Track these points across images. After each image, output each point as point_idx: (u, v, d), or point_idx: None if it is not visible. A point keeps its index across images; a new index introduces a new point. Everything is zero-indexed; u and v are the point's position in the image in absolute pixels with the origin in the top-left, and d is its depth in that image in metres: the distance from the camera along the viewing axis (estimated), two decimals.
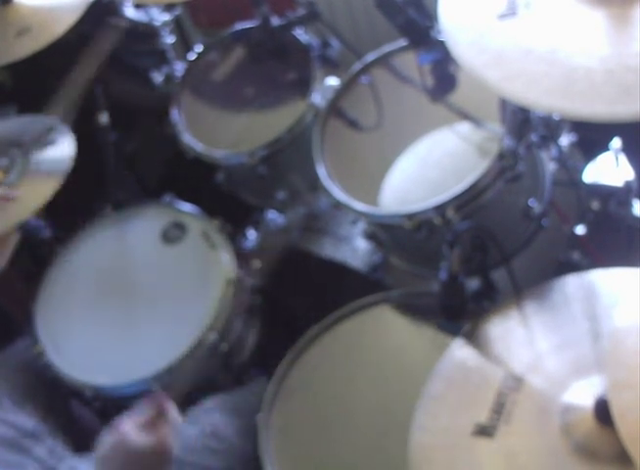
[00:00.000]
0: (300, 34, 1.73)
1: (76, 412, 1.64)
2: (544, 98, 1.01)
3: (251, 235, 1.85)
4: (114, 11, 1.92)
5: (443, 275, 1.18)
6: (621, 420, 0.83)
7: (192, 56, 1.86)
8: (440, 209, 1.30)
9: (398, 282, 1.57)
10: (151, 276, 1.64)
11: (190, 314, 1.54)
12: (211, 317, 1.51)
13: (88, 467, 1.34)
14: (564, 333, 1.09)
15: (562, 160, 1.46)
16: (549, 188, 1.45)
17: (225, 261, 1.59)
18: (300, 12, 1.66)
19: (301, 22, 1.68)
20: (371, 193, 1.40)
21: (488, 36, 1.09)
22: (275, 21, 1.70)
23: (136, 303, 1.60)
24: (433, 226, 1.33)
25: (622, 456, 0.84)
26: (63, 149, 1.56)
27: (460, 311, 1.20)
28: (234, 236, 1.68)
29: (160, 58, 1.96)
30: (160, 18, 1.93)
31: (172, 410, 1.19)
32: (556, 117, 1.39)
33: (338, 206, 1.42)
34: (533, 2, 1.09)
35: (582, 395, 0.99)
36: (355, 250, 1.68)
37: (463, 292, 1.19)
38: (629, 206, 1.43)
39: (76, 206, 1.78)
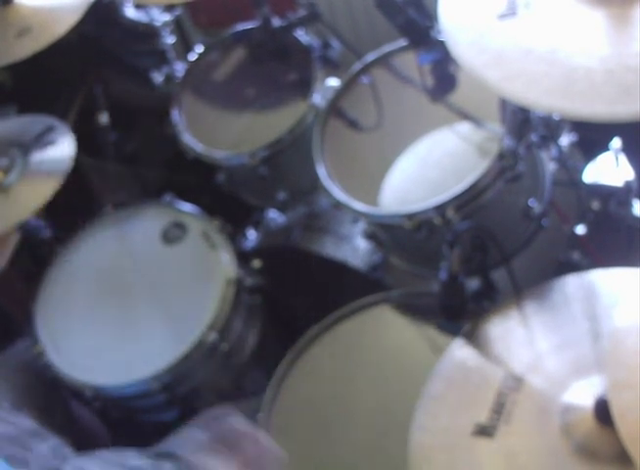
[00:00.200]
0: (301, 35, 1.73)
1: (76, 412, 1.64)
2: (544, 98, 1.01)
3: (251, 235, 1.85)
4: (115, 11, 1.92)
5: (443, 275, 1.18)
6: (621, 420, 0.83)
7: (192, 56, 1.86)
8: (440, 209, 1.30)
9: (398, 282, 1.57)
10: (151, 276, 1.64)
11: (190, 314, 1.54)
12: (211, 317, 1.51)
13: (96, 467, 1.34)
14: (564, 333, 1.09)
15: (562, 160, 1.46)
16: (549, 188, 1.45)
17: (225, 261, 1.59)
18: (301, 13, 1.66)
19: (302, 22, 1.68)
20: (371, 193, 1.40)
21: (488, 36, 1.09)
22: (276, 21, 1.70)
23: (136, 302, 1.60)
24: (433, 226, 1.33)
25: (622, 456, 0.84)
26: (63, 149, 1.57)
27: (460, 311, 1.20)
28: (234, 236, 1.68)
29: (161, 58, 1.96)
30: (161, 18, 1.93)
31: None
32: (556, 117, 1.39)
33: (338, 206, 1.42)
34: (533, 2, 1.09)
35: (582, 395, 0.99)
36: (356, 249, 1.68)
37: (463, 292, 1.19)
38: (629, 206, 1.43)
39: (76, 206, 1.78)
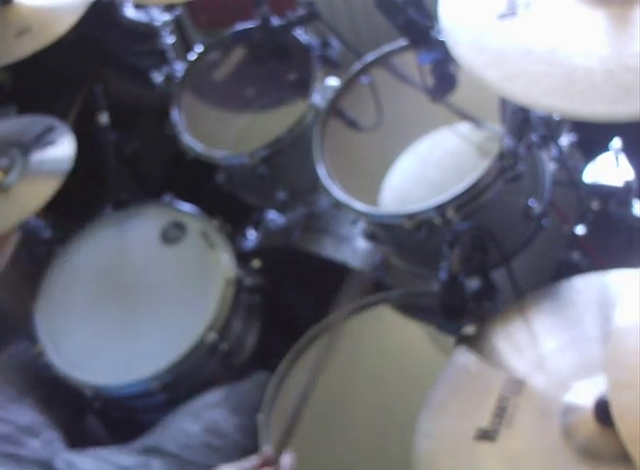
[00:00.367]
0: (301, 34, 1.73)
1: (78, 413, 1.64)
2: (544, 98, 1.01)
3: (251, 235, 1.85)
4: (115, 11, 1.92)
5: (443, 275, 1.18)
6: (622, 420, 0.83)
7: (192, 56, 1.86)
8: (440, 209, 1.30)
9: (398, 282, 1.57)
10: (150, 276, 1.64)
11: (190, 314, 1.54)
12: (211, 317, 1.51)
13: (85, 462, 1.34)
14: (565, 335, 1.09)
15: (562, 160, 1.46)
16: (549, 188, 1.45)
17: (225, 261, 1.59)
18: (300, 12, 1.66)
19: (301, 22, 1.68)
20: (371, 193, 1.40)
21: (488, 36, 1.09)
22: (275, 21, 1.70)
23: (136, 302, 1.60)
24: (433, 226, 1.33)
25: (624, 457, 0.84)
26: (63, 149, 1.57)
27: (460, 311, 1.20)
28: (234, 236, 1.68)
29: (161, 58, 1.96)
30: (161, 18, 1.93)
31: None
32: (556, 117, 1.39)
33: (338, 205, 1.42)
34: (533, 2, 1.09)
35: (583, 395, 0.99)
36: (355, 250, 1.68)
37: (463, 292, 1.19)
38: (629, 206, 1.43)
39: (76, 206, 1.78)
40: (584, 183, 1.48)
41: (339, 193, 1.41)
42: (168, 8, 1.96)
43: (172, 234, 1.67)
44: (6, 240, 1.74)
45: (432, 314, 1.33)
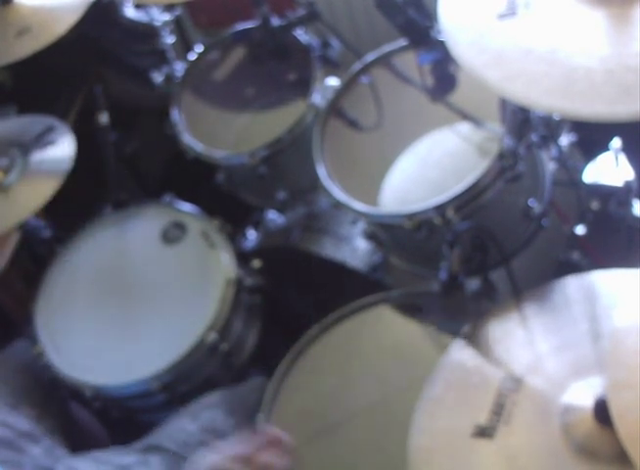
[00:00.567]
0: (301, 35, 1.73)
1: (75, 414, 1.64)
2: (544, 98, 1.01)
3: (251, 235, 1.85)
4: (115, 11, 1.92)
5: (443, 275, 1.18)
6: (621, 420, 0.83)
7: (192, 56, 1.86)
8: (440, 209, 1.30)
9: (398, 282, 1.57)
10: (151, 276, 1.64)
11: (190, 314, 1.54)
12: (211, 317, 1.51)
13: (86, 466, 1.34)
14: (563, 334, 1.09)
15: (562, 160, 1.46)
16: (549, 188, 1.45)
17: (225, 261, 1.59)
18: (301, 12, 1.66)
19: (302, 22, 1.68)
20: (371, 193, 1.40)
21: (488, 36, 1.09)
22: (275, 21, 1.70)
23: (136, 302, 1.60)
24: (433, 226, 1.33)
25: (622, 457, 0.84)
26: (63, 149, 1.57)
27: (460, 311, 1.20)
28: (234, 236, 1.68)
29: (161, 58, 1.96)
30: (161, 18, 1.93)
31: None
32: (556, 118, 1.39)
33: (338, 206, 1.42)
34: (533, 2, 1.09)
35: (582, 395, 0.99)
36: (355, 250, 1.68)
37: (463, 292, 1.19)
38: (629, 206, 1.43)
39: (76, 206, 1.78)
40: (584, 183, 1.48)
41: (339, 193, 1.41)
42: (168, 8, 1.96)
43: (173, 234, 1.67)
44: (6, 240, 1.74)
45: (432, 314, 1.33)
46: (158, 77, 1.90)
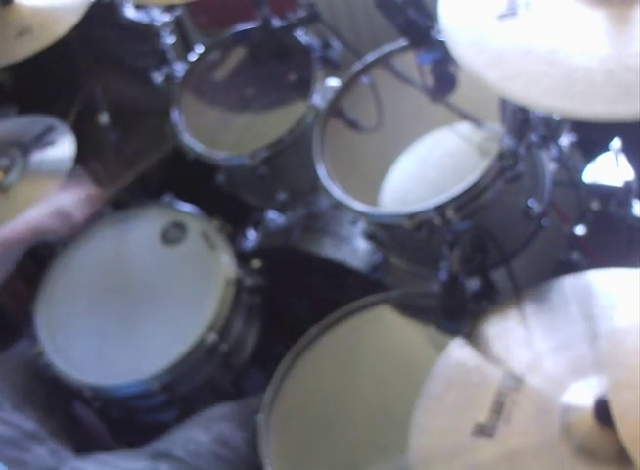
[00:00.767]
0: (301, 35, 1.73)
1: (79, 414, 1.64)
2: (544, 98, 1.01)
3: (251, 235, 1.85)
4: (115, 11, 1.92)
5: (443, 275, 1.18)
6: (621, 420, 0.83)
7: (192, 56, 1.86)
8: (440, 209, 1.30)
9: (398, 282, 1.57)
10: (151, 276, 1.64)
11: (190, 314, 1.54)
12: (211, 318, 1.51)
13: (92, 467, 1.34)
14: (563, 333, 1.09)
15: (562, 160, 1.46)
16: (549, 188, 1.45)
17: (225, 262, 1.59)
18: (301, 13, 1.66)
19: (302, 22, 1.68)
20: (371, 193, 1.40)
21: (488, 36, 1.09)
22: (276, 21, 1.70)
23: (136, 303, 1.60)
24: (433, 226, 1.33)
25: (623, 457, 0.84)
26: (63, 149, 1.57)
27: (460, 311, 1.20)
28: (234, 236, 1.68)
29: (161, 58, 1.96)
30: (161, 18, 1.93)
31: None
32: (556, 118, 1.39)
33: (338, 206, 1.42)
34: (533, 2, 1.09)
35: (582, 395, 0.99)
36: (355, 250, 1.68)
37: (463, 292, 1.19)
38: (629, 206, 1.43)
39: None
40: (584, 183, 1.48)
41: (339, 193, 1.41)
42: (169, 8, 1.96)
43: (173, 234, 1.67)
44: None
45: (432, 314, 1.33)
46: (158, 78, 1.90)
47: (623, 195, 1.42)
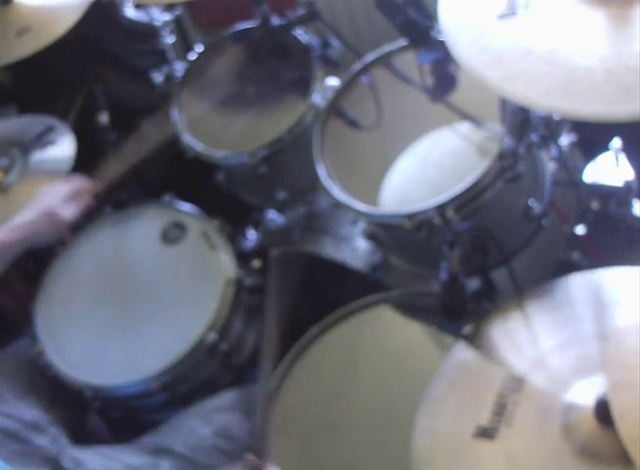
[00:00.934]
0: (301, 34, 1.73)
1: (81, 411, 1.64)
2: (544, 98, 1.01)
3: (251, 235, 1.85)
4: (115, 11, 1.92)
5: (443, 275, 1.18)
6: (622, 420, 0.83)
7: (192, 56, 1.86)
8: (440, 209, 1.30)
9: (398, 282, 1.57)
10: (151, 276, 1.64)
11: (190, 314, 1.54)
12: (211, 317, 1.51)
13: (93, 460, 1.34)
14: (565, 333, 1.09)
15: (562, 160, 1.46)
16: (549, 188, 1.45)
17: (225, 261, 1.59)
18: (300, 12, 1.66)
19: (302, 21, 1.67)
20: (371, 193, 1.40)
21: (488, 36, 1.09)
22: (275, 20, 1.70)
23: (136, 303, 1.60)
24: (433, 226, 1.33)
25: (624, 457, 0.84)
26: (63, 149, 1.57)
27: (460, 311, 1.20)
28: (234, 236, 1.68)
29: (161, 58, 1.96)
30: (161, 18, 1.94)
31: None
32: (556, 118, 1.39)
33: (338, 206, 1.42)
34: (533, 2, 1.09)
35: (583, 395, 0.99)
36: (355, 250, 1.68)
37: (463, 292, 1.19)
38: (629, 206, 1.43)
39: None
40: (584, 183, 1.48)
41: (339, 193, 1.41)
42: (168, 8, 1.96)
43: (173, 234, 1.67)
44: None
45: (432, 314, 1.32)
46: (158, 77, 1.90)
47: (623, 195, 1.42)
